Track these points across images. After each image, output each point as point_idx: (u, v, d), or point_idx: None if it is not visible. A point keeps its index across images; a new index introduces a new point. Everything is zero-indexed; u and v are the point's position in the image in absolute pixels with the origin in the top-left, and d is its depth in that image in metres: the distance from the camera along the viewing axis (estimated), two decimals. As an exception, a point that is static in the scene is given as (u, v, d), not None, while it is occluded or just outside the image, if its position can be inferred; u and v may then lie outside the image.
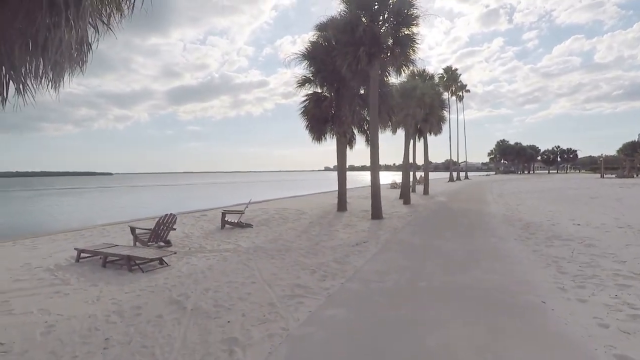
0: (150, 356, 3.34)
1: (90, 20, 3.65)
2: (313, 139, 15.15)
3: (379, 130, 13.61)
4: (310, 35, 14.29)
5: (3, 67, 4.02)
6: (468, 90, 53.27)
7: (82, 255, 7.22)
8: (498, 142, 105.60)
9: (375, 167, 12.82)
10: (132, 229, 8.63)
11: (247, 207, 12.13)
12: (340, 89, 13.64)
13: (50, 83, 3.77)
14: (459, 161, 65.53)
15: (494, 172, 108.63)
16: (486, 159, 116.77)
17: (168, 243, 8.51)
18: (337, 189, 15.84)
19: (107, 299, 4.92)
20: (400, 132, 20.71)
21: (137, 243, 8.35)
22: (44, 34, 3.21)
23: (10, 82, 4.12)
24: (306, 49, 14.01)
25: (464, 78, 53.78)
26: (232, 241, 8.84)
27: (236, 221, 10.87)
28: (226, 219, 10.99)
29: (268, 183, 73.39)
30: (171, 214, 8.45)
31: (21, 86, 4.15)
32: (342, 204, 14.96)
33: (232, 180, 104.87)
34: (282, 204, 19.32)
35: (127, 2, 3.87)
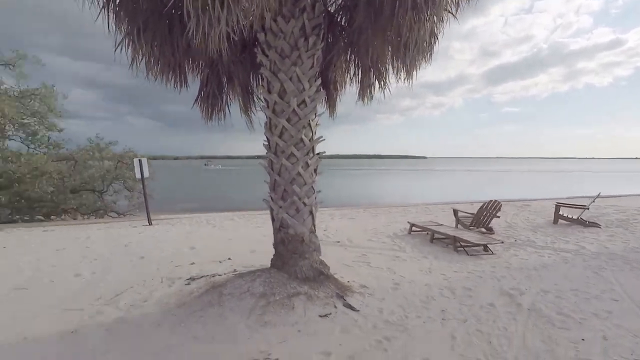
0: (486, 343, 3.20)
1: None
2: None
3: None
4: None
5: (372, 70, 5.02)
6: None
7: (413, 228, 8.22)
8: None
9: None
10: (455, 211, 8.92)
11: (593, 201, 9.69)
12: None
13: (405, 78, 4.29)
14: None
15: None
16: None
17: (490, 230, 8.17)
18: None
19: (437, 273, 5.28)
20: None
21: (459, 225, 8.56)
22: (405, 33, 3.62)
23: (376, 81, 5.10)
24: None
25: None
26: (572, 240, 7.26)
27: (576, 217, 8.88)
28: (561, 212, 9.20)
29: (617, 174, 56.76)
30: (496, 200, 8.02)
31: (382, 82, 5.05)
32: None
33: (556, 168, 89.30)
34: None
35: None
